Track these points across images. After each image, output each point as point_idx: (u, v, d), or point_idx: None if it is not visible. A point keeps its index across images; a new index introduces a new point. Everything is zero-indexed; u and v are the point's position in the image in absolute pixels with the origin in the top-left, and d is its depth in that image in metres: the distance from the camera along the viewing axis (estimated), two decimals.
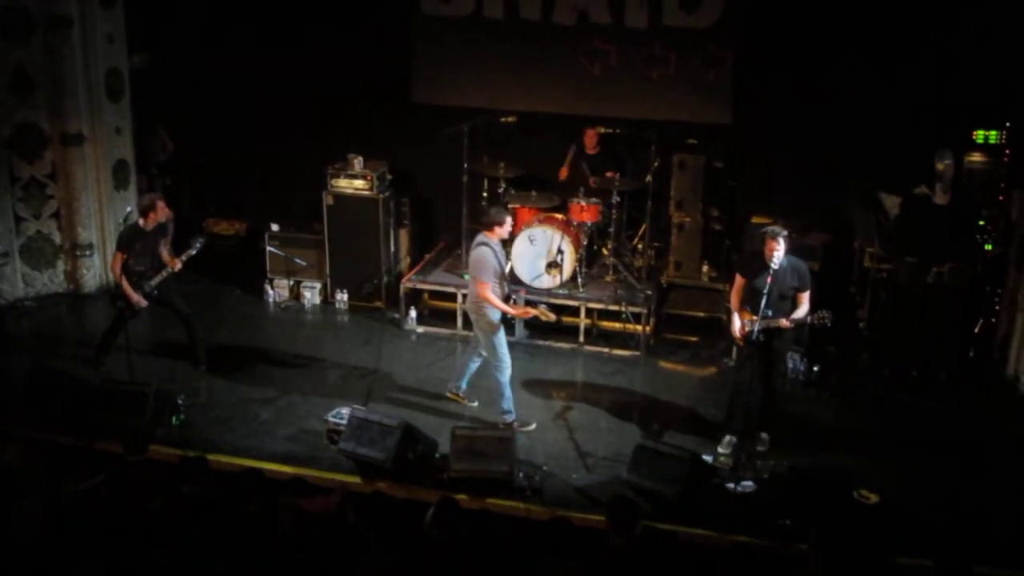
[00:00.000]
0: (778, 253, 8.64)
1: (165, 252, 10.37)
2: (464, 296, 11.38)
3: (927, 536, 7.90)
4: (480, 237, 9.58)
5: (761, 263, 8.76)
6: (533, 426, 9.73)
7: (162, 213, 10.28)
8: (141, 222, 10.20)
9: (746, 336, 8.80)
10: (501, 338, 9.61)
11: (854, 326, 11.46)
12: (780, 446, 9.28)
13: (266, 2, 13.23)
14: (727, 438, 9.37)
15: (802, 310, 8.84)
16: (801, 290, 8.86)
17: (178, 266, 10.16)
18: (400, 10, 13.17)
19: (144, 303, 10.16)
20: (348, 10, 13.00)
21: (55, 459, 7.96)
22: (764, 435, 9.38)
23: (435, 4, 13.11)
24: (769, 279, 8.64)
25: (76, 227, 12.70)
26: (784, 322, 8.71)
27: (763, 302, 8.65)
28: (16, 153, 12.22)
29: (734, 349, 10.80)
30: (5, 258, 12.36)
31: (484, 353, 9.76)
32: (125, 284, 10.10)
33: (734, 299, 9.13)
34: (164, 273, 10.21)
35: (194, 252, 10.13)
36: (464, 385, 10.21)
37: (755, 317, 8.71)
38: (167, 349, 11.15)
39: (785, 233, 8.73)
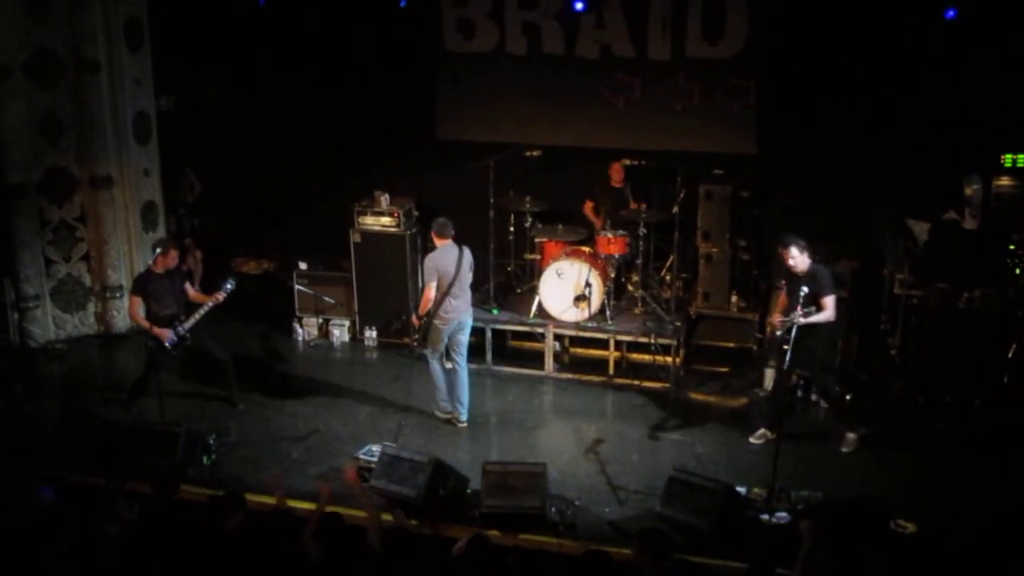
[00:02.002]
0: (791, 261, 9.43)
1: (193, 292, 10.50)
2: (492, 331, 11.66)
3: (966, 565, 7.79)
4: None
5: (788, 270, 9.53)
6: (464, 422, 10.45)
7: (171, 260, 10.35)
8: (152, 266, 10.32)
9: (772, 334, 9.39)
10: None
11: (886, 353, 11.37)
12: (814, 477, 9.21)
13: (292, 43, 13.32)
14: (761, 431, 10.02)
15: (823, 314, 9.31)
16: (819, 295, 9.30)
17: (220, 299, 10.26)
18: (424, 47, 13.26)
19: (171, 335, 10.22)
20: (372, 48, 13.10)
21: (87, 501, 7.98)
22: (850, 435, 9.81)
23: (459, 41, 13.18)
24: (789, 284, 9.47)
25: (106, 269, 12.78)
26: (795, 316, 9.13)
27: (789, 304, 9.36)
28: (46, 197, 12.33)
29: (765, 376, 10.99)
30: (36, 301, 12.44)
31: (450, 365, 10.53)
32: (146, 324, 10.18)
33: (778, 301, 9.69)
34: (198, 314, 10.30)
35: (224, 294, 10.25)
36: (459, 405, 10.51)
37: (783, 317, 9.35)
38: (197, 389, 11.18)
39: (795, 242, 9.44)
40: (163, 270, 10.30)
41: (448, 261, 10.16)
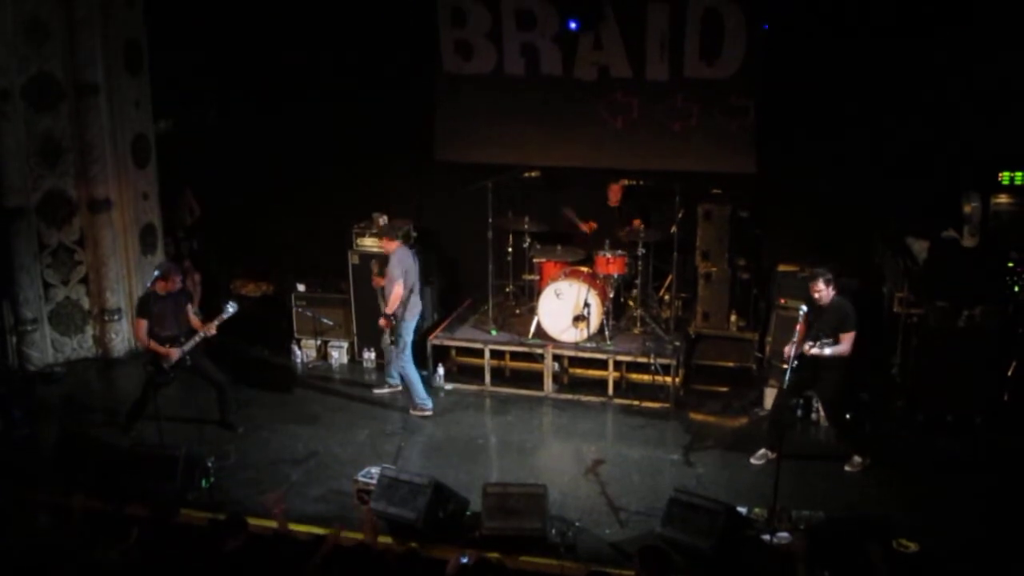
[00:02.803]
0: (816, 294, 9.39)
1: (194, 317, 10.52)
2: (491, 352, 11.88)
3: None
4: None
5: (811, 299, 9.48)
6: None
7: (173, 284, 10.36)
8: (154, 287, 10.35)
9: (790, 361, 9.24)
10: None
11: (887, 372, 11.35)
12: (815, 496, 9.19)
13: (290, 65, 13.33)
14: (762, 451, 10.01)
15: (838, 347, 9.33)
16: (840, 330, 9.34)
17: (212, 331, 10.34)
18: (422, 69, 13.28)
19: (175, 354, 10.27)
20: (370, 70, 13.11)
21: (86, 525, 7.94)
22: (857, 458, 9.85)
23: (457, 62, 13.21)
24: (810, 312, 9.48)
25: (104, 292, 12.77)
26: (806, 347, 9.28)
27: (808, 333, 9.39)
28: (44, 220, 12.33)
29: (765, 396, 11.02)
30: (34, 324, 12.42)
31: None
32: (154, 346, 10.25)
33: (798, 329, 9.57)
34: (196, 338, 10.34)
35: (226, 317, 10.34)
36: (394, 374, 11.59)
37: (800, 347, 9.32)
38: (195, 412, 11.15)
39: (820, 275, 9.41)
40: (165, 292, 10.31)
41: (410, 260, 11.12)
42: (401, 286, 10.92)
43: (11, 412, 10.91)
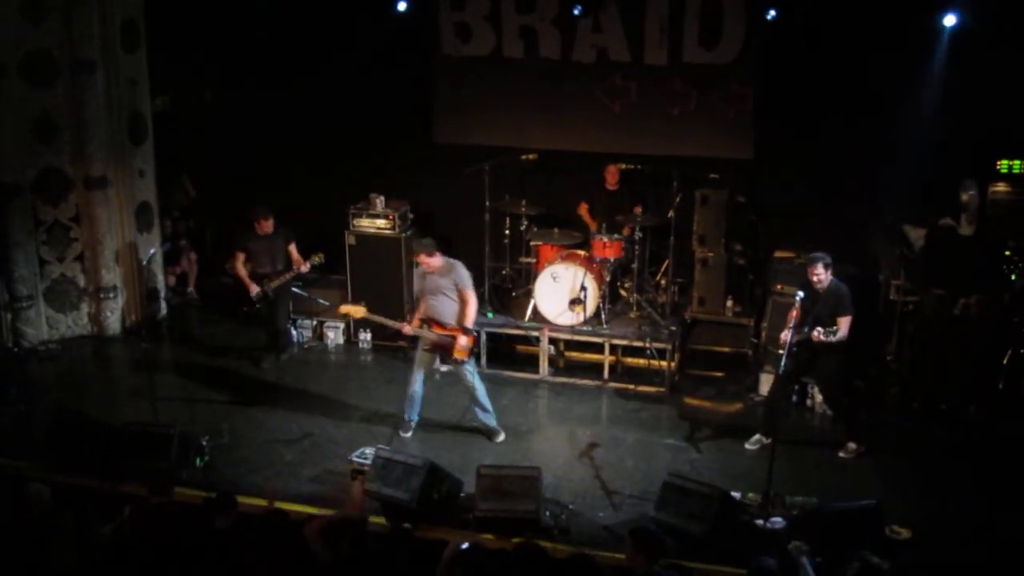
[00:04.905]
0: (815, 277, 9.43)
1: (296, 255, 11.82)
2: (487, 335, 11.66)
3: (961, 571, 7.78)
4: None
5: (808, 284, 9.50)
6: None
7: (264, 227, 11.60)
8: (256, 227, 11.62)
9: (786, 347, 9.13)
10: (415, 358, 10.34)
11: (882, 360, 11.36)
12: (809, 482, 9.21)
13: (288, 45, 13.27)
14: (756, 436, 10.06)
15: (838, 332, 9.24)
16: (837, 314, 9.37)
17: (305, 268, 11.76)
18: (421, 50, 13.24)
19: (254, 290, 11.57)
20: (369, 52, 13.04)
21: (81, 502, 7.94)
22: (851, 445, 9.88)
23: (456, 44, 13.16)
24: (807, 298, 9.41)
25: (100, 270, 12.74)
26: (814, 334, 9.20)
27: (804, 319, 9.34)
28: (40, 197, 12.31)
29: (760, 381, 11.05)
30: (30, 301, 12.41)
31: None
32: (241, 275, 11.64)
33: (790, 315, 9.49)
34: (285, 276, 11.71)
35: (317, 262, 11.84)
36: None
37: (795, 329, 9.23)
38: (191, 390, 11.16)
39: (820, 259, 9.46)
40: (262, 233, 11.57)
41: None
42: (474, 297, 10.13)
43: (6, 388, 10.90)
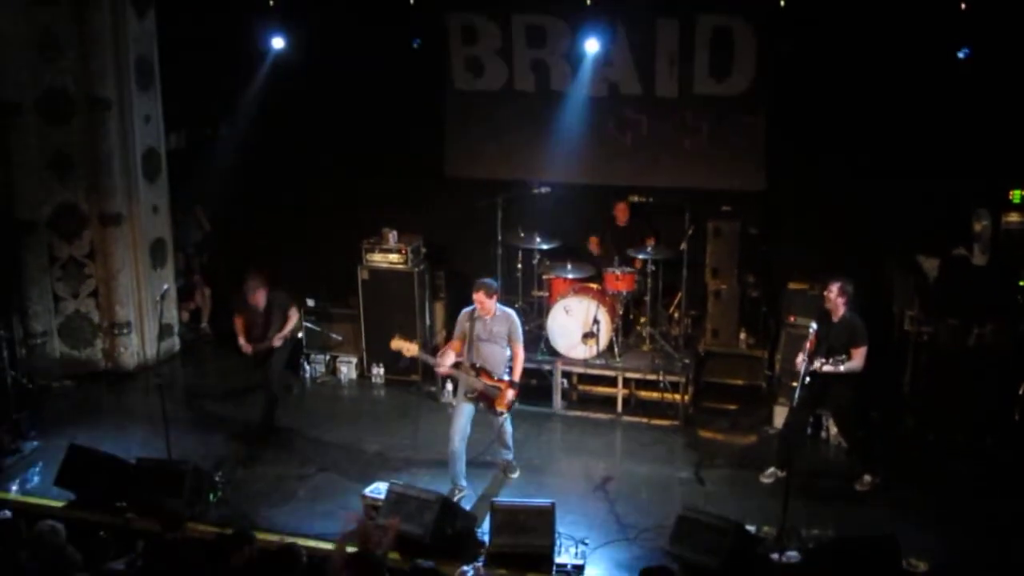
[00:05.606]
0: (828, 295, 9.44)
1: (291, 321, 11.17)
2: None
3: None
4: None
5: (823, 312, 9.54)
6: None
7: (255, 299, 10.95)
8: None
9: (800, 377, 9.12)
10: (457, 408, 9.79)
11: (897, 391, 11.30)
12: (824, 515, 9.14)
13: (301, 78, 13.34)
14: (771, 469, 9.97)
15: (851, 363, 9.23)
16: (852, 345, 9.30)
17: (277, 343, 10.97)
18: (433, 85, 13.30)
19: (246, 349, 10.99)
20: (381, 86, 13.12)
21: (93, 538, 7.94)
22: (867, 477, 9.79)
23: (467, 79, 13.23)
24: (822, 327, 9.44)
25: (114, 305, 12.78)
26: (820, 364, 9.17)
27: (819, 349, 9.30)
28: (56, 233, 12.36)
29: (775, 413, 10.98)
30: (44, 337, 12.45)
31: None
32: (240, 333, 11.04)
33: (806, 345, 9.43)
34: (265, 343, 10.97)
35: (288, 332, 11.12)
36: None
37: (810, 360, 9.19)
38: (204, 425, 11.17)
39: (835, 284, 9.40)
40: (253, 304, 11.01)
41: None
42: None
43: (19, 424, 10.91)
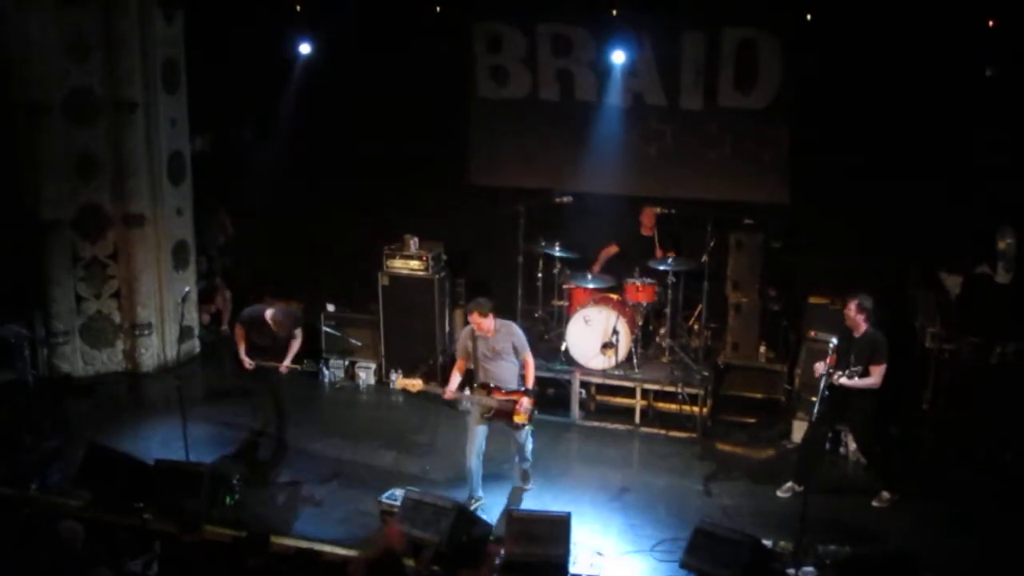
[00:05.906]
0: (849, 321, 9.45)
1: (295, 346, 10.67)
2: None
3: None
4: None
5: (846, 327, 9.51)
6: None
7: (277, 327, 10.36)
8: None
9: (819, 391, 9.09)
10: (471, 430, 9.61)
11: (917, 407, 11.24)
12: (842, 530, 9.10)
13: (326, 84, 13.40)
14: (788, 483, 9.94)
15: (868, 380, 9.28)
16: (872, 362, 9.31)
17: (283, 369, 10.52)
18: (457, 93, 13.33)
19: (247, 365, 10.44)
20: (404, 93, 13.15)
21: (112, 538, 7.97)
22: (885, 493, 9.75)
23: (492, 87, 13.26)
24: (842, 342, 9.34)
25: (136, 306, 12.84)
26: (837, 376, 9.16)
27: (839, 364, 9.27)
28: (79, 233, 12.44)
29: (793, 428, 10.97)
30: (66, 336, 12.52)
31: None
32: (240, 350, 10.47)
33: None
34: (272, 364, 10.49)
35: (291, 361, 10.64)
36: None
37: (830, 372, 9.14)
38: (223, 428, 11.19)
39: (853, 302, 9.41)
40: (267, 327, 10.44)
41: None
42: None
43: (39, 424, 10.96)
